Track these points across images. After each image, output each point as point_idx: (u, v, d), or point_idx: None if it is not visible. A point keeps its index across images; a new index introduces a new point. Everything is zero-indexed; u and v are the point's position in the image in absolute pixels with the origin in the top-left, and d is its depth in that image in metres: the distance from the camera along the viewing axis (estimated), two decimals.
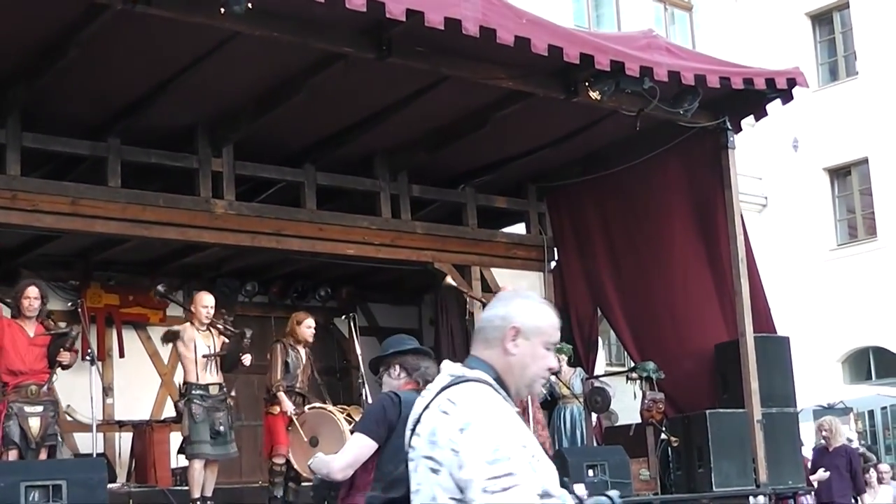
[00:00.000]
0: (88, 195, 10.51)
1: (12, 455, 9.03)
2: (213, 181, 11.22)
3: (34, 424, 9.17)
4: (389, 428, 5.30)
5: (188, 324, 10.25)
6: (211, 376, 10.05)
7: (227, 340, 10.21)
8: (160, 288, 10.99)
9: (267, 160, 11.78)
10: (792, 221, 22.20)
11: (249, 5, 8.06)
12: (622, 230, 13.01)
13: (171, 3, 8.44)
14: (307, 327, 10.80)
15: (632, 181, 12.70)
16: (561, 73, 10.47)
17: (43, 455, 9.20)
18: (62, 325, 9.93)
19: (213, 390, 10.02)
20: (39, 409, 9.25)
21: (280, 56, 9.73)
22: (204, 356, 10.01)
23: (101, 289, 13.08)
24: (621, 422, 13.40)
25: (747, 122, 12.47)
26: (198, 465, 9.85)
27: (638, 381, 12.03)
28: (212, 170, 11.23)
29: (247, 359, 10.19)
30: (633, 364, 12.62)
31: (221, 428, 9.86)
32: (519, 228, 14.21)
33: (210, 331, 10.17)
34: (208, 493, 9.96)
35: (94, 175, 10.77)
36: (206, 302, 10.24)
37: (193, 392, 9.92)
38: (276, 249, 12.00)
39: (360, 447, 5.36)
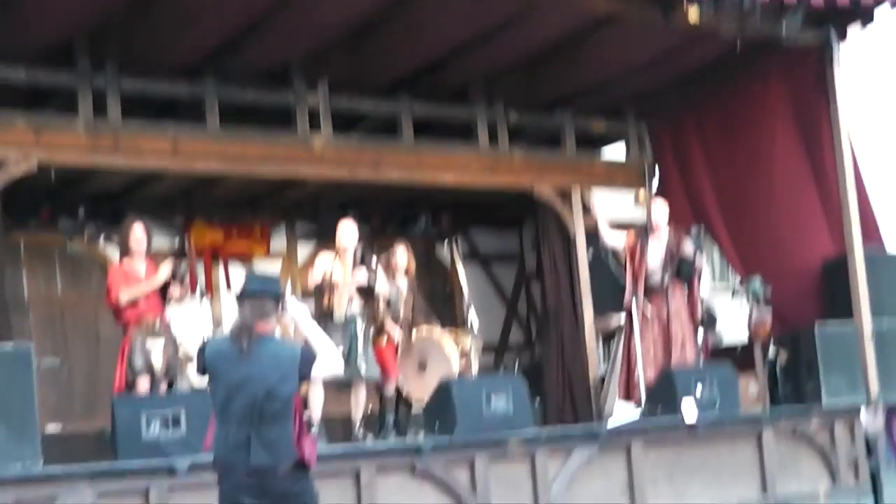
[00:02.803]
0: (188, 135, 10.65)
1: (143, 382, 9.22)
2: (310, 116, 11.29)
3: (157, 357, 9.36)
4: (202, 366, 6.00)
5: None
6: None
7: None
8: None
9: (362, 93, 11.81)
10: None
11: None
12: (723, 147, 12.85)
13: None
14: (394, 255, 10.85)
15: (733, 99, 12.53)
16: None
17: (163, 388, 9.41)
18: (168, 260, 10.06)
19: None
20: (161, 342, 9.45)
21: None
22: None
23: (205, 226, 13.25)
24: (727, 339, 13.33)
25: (853, 29, 12.15)
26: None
27: (744, 298, 11.94)
28: (308, 105, 11.29)
29: None
30: (738, 281, 12.54)
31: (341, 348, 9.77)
32: (618, 151, 14.10)
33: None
34: (357, 417, 10.04)
35: (193, 115, 10.89)
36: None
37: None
38: (375, 181, 12.06)
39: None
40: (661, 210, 11.37)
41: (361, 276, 9.91)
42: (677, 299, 11.12)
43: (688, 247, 11.06)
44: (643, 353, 10.79)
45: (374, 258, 10.16)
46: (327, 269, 9.99)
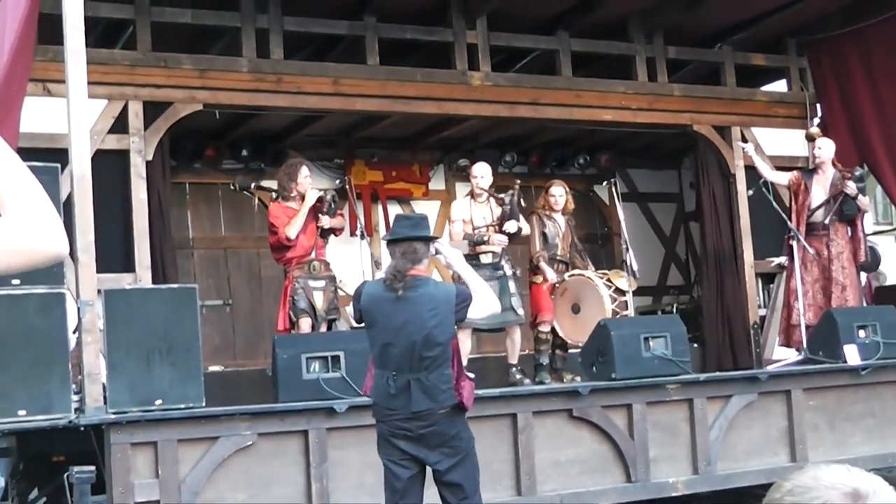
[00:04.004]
0: (349, 74, 10.75)
1: (305, 323, 9.43)
2: (469, 53, 11.28)
3: (318, 298, 9.54)
4: (359, 312, 6.20)
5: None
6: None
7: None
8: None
9: (520, 29, 11.75)
10: None
11: None
12: (888, 81, 12.41)
13: None
14: (552, 196, 10.78)
15: None
16: None
17: (323, 328, 9.58)
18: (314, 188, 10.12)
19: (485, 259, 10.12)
20: (322, 283, 9.61)
21: None
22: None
23: (364, 166, 13.39)
24: (891, 282, 12.99)
25: None
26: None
27: None
28: (467, 42, 11.28)
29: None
30: None
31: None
32: (779, 86, 13.76)
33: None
34: (514, 361, 10.11)
35: (353, 54, 10.98)
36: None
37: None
38: (533, 118, 12.03)
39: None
40: (826, 147, 11.10)
41: (511, 226, 9.97)
42: (840, 240, 10.88)
43: (851, 186, 10.78)
44: (803, 295, 10.59)
45: (509, 197, 10.14)
46: (465, 217, 10.06)
